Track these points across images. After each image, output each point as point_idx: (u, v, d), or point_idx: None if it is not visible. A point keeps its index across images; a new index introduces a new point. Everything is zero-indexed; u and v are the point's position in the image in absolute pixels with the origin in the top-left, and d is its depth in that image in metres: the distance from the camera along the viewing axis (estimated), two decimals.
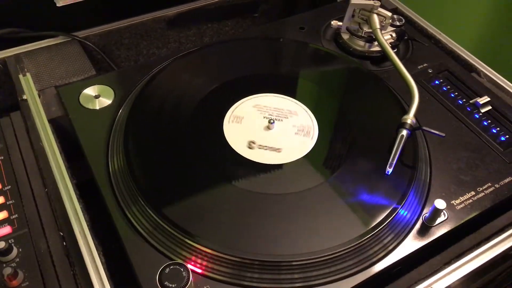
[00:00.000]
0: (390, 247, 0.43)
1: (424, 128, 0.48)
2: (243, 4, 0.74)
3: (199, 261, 0.40)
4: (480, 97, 0.55)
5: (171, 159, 0.48)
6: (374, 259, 0.42)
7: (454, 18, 0.88)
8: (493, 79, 0.60)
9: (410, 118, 0.48)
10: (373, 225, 0.42)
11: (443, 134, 0.47)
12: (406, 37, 0.62)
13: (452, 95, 0.56)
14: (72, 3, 0.59)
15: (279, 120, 0.51)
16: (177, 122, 0.51)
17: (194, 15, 0.71)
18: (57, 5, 0.57)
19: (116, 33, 0.67)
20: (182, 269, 0.39)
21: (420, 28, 0.68)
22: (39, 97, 0.55)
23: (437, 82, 0.58)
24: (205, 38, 0.74)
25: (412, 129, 0.48)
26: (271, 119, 0.50)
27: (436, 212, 0.43)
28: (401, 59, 0.60)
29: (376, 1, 0.59)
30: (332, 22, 0.63)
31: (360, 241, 0.41)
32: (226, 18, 0.74)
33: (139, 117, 0.51)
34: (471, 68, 0.62)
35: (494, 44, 0.84)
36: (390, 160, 0.46)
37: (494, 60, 0.69)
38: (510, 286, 0.65)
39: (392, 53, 0.55)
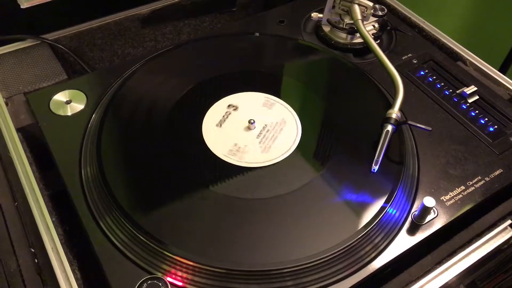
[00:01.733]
0: (381, 247, 0.41)
1: (410, 122, 0.46)
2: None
3: (179, 273, 0.38)
4: (467, 86, 0.54)
5: (147, 166, 0.46)
6: (365, 261, 0.40)
7: (437, 5, 0.86)
8: (479, 67, 0.58)
9: (395, 113, 0.46)
10: (361, 226, 0.40)
11: (430, 128, 0.45)
12: (389, 27, 0.60)
13: (438, 86, 0.54)
14: (39, 4, 0.56)
15: (260, 121, 0.49)
16: (152, 127, 0.49)
17: (170, 11, 0.68)
18: (21, 6, 0.54)
19: (88, 34, 0.64)
20: (160, 284, 0.37)
21: (403, 17, 0.66)
22: (7, 105, 0.53)
23: (422, 72, 0.56)
24: (182, 35, 0.72)
25: (398, 124, 0.46)
26: (251, 119, 0.48)
27: (425, 210, 0.41)
28: (384, 50, 0.58)
29: None
30: (312, 15, 0.60)
31: (350, 243, 0.39)
32: (203, 14, 0.72)
33: (112, 122, 0.49)
34: (456, 56, 0.60)
35: (479, 31, 0.83)
36: (375, 157, 0.44)
37: (480, 48, 0.67)
38: (503, 274, 0.64)
39: (374, 44, 0.53)
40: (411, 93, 0.54)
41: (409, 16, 0.65)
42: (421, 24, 0.64)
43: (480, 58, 0.60)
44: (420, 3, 0.80)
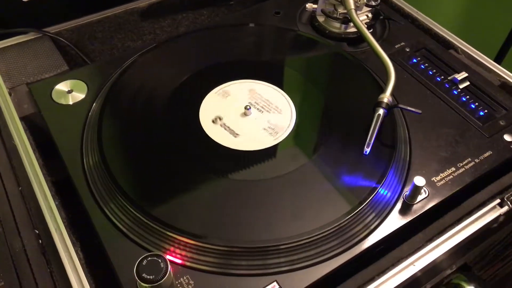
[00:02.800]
0: (372, 226, 0.42)
1: (400, 105, 0.47)
2: None
3: (178, 251, 0.40)
4: (458, 73, 0.55)
5: (145, 149, 0.47)
6: (357, 239, 0.41)
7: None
8: (471, 55, 0.59)
9: (386, 97, 0.47)
10: (353, 206, 0.42)
11: (419, 111, 0.47)
12: (381, 17, 0.61)
13: (430, 73, 0.56)
14: None
15: (256, 106, 0.51)
16: (150, 113, 0.50)
17: (168, 5, 0.70)
18: (23, 0, 0.55)
19: (88, 27, 0.65)
20: (160, 260, 0.38)
21: (396, 7, 0.67)
22: (10, 95, 0.54)
23: (414, 60, 0.57)
24: (180, 28, 0.73)
25: (388, 108, 0.47)
26: (247, 105, 0.49)
27: (416, 190, 0.42)
28: (377, 39, 0.60)
29: None
30: (307, 5, 0.62)
31: (342, 221, 0.41)
32: (201, 7, 0.73)
33: (112, 110, 0.50)
34: (448, 45, 0.61)
35: (470, 20, 0.84)
36: (367, 140, 0.45)
37: (474, 39, 0.68)
38: (500, 262, 0.66)
39: (367, 33, 0.55)
40: (404, 80, 0.55)
41: (402, 6, 0.67)
42: (414, 14, 0.65)
43: (471, 45, 0.61)
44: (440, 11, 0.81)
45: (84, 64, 0.65)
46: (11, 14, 0.62)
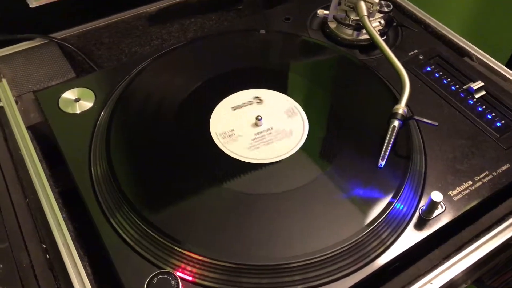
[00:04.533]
0: (388, 243, 0.41)
1: (416, 117, 0.46)
2: None
3: (189, 268, 0.39)
4: (474, 82, 0.53)
5: (155, 162, 0.46)
6: (373, 256, 0.40)
7: (443, 1, 0.86)
8: (485, 62, 0.58)
9: (401, 108, 0.46)
10: (368, 221, 0.40)
11: (436, 123, 0.45)
12: (394, 24, 0.60)
13: (445, 82, 0.54)
14: (46, 4, 0.57)
15: (269, 118, 0.49)
16: (160, 123, 0.49)
17: (176, 10, 0.69)
18: (30, 6, 0.54)
19: (95, 33, 0.64)
20: (170, 278, 0.37)
21: (409, 13, 0.66)
22: (17, 103, 0.53)
23: (428, 68, 0.56)
24: (188, 33, 0.72)
25: (404, 119, 0.46)
26: (258, 116, 0.48)
27: (433, 205, 0.41)
28: (390, 46, 0.58)
29: None
30: (318, 11, 0.60)
31: (357, 237, 0.40)
32: (209, 12, 0.72)
33: (121, 119, 0.49)
34: (462, 52, 0.60)
35: (485, 27, 0.83)
36: (382, 152, 0.44)
37: (486, 42, 0.67)
38: (511, 271, 0.64)
39: (381, 40, 0.54)
40: (418, 89, 0.54)
41: (415, 12, 0.65)
42: (427, 20, 0.64)
43: (486, 53, 0.59)
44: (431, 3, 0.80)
45: (91, 70, 0.64)
46: (18, 20, 0.62)
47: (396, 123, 0.45)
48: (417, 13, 0.65)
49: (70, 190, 0.47)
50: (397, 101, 0.48)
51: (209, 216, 0.41)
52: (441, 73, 0.55)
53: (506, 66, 0.58)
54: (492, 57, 0.59)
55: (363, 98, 0.53)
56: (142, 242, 0.40)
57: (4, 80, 0.54)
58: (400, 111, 0.46)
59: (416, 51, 0.59)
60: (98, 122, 0.50)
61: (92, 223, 0.43)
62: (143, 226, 0.40)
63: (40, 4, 0.55)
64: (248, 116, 0.49)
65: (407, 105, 0.47)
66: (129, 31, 0.67)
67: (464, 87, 0.53)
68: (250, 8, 0.75)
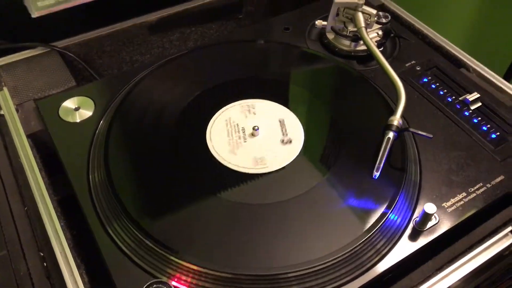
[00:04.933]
0: (383, 253, 0.41)
1: (411, 129, 0.46)
2: (227, 6, 0.72)
3: (183, 278, 0.39)
4: (470, 93, 0.54)
5: (153, 172, 0.47)
6: (367, 266, 0.41)
7: (440, 12, 0.86)
8: (482, 74, 0.58)
9: (396, 120, 0.47)
10: (362, 232, 0.41)
11: (431, 136, 0.46)
12: (392, 34, 0.61)
13: (441, 93, 0.55)
14: (48, 13, 0.58)
15: (265, 127, 0.50)
16: (158, 133, 0.50)
17: (177, 19, 0.69)
18: (32, 16, 0.55)
19: (96, 42, 0.65)
20: (165, 287, 0.38)
21: (407, 24, 0.66)
22: (17, 111, 0.54)
23: (425, 79, 0.56)
24: (189, 42, 0.73)
25: (399, 131, 0.46)
26: (255, 126, 0.49)
27: (426, 217, 0.41)
28: (388, 57, 0.59)
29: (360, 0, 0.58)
30: (316, 22, 0.61)
31: (352, 248, 0.40)
32: (210, 21, 0.73)
33: (120, 128, 0.50)
34: (459, 63, 0.60)
35: (483, 38, 0.83)
36: (377, 163, 0.44)
37: (483, 54, 0.67)
38: (509, 280, 0.64)
39: (377, 52, 0.54)
40: (415, 100, 0.54)
41: (413, 23, 0.66)
42: (425, 30, 0.65)
43: (483, 65, 0.60)
44: (424, 10, 0.81)
45: (92, 79, 0.65)
46: (19, 29, 0.63)
47: (390, 134, 0.46)
48: (415, 24, 0.66)
49: (68, 198, 0.48)
50: (393, 111, 0.49)
51: (205, 226, 0.42)
52: (437, 84, 0.56)
53: (503, 77, 0.59)
54: (489, 68, 0.59)
55: (360, 109, 0.53)
56: (138, 251, 0.41)
57: (5, 89, 0.55)
58: (395, 123, 0.46)
59: (413, 62, 0.59)
60: (97, 131, 0.51)
61: (89, 231, 0.43)
62: (139, 235, 0.41)
63: (42, 14, 0.56)
64: (244, 128, 0.50)
65: (402, 116, 0.48)
66: (130, 39, 0.68)
67: (460, 98, 0.54)
68: (249, 18, 0.76)
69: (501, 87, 0.57)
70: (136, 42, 0.69)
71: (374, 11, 0.58)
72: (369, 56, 0.59)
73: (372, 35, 0.60)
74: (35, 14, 0.55)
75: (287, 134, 0.49)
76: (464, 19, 0.84)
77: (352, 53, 0.59)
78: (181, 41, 0.73)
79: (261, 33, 0.63)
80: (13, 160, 0.50)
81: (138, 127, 0.51)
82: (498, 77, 0.58)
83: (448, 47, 0.62)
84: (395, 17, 0.67)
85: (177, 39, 0.72)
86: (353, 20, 0.58)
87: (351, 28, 0.59)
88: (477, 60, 0.61)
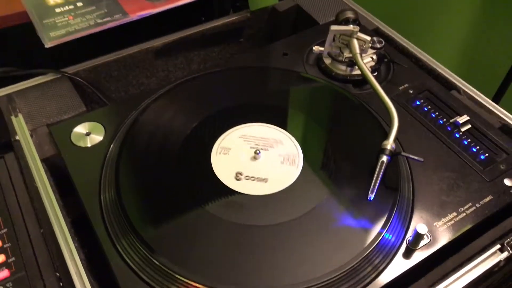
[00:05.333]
0: (377, 272, 0.44)
1: (403, 153, 0.49)
2: (228, 31, 0.76)
3: None
4: (460, 115, 0.57)
5: (161, 193, 0.50)
6: (363, 284, 0.43)
7: (433, 35, 0.90)
8: (472, 96, 0.61)
9: (389, 144, 0.49)
10: (358, 251, 0.44)
11: (422, 159, 0.49)
12: (386, 59, 0.64)
13: (433, 115, 0.58)
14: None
15: (265, 149, 0.53)
16: (165, 156, 0.53)
17: (180, 44, 0.73)
18: (45, 46, 0.58)
19: (105, 67, 0.68)
20: None
21: (400, 47, 0.69)
22: (32, 136, 0.57)
23: (417, 102, 0.60)
24: (192, 65, 0.76)
25: (392, 155, 0.49)
26: (257, 150, 0.52)
27: (418, 237, 0.44)
28: (382, 81, 0.62)
29: (355, 27, 0.61)
30: (314, 48, 0.64)
31: (348, 267, 0.43)
32: (212, 45, 0.76)
33: (129, 152, 0.53)
34: (451, 86, 0.64)
35: (473, 58, 0.86)
36: (371, 186, 0.47)
37: (474, 77, 0.70)
38: None
39: (371, 77, 0.57)
40: (407, 122, 0.57)
41: (406, 46, 0.69)
42: (418, 54, 0.68)
43: (474, 87, 0.63)
44: (416, 32, 0.84)
45: (101, 102, 0.68)
46: (31, 56, 0.66)
47: (384, 158, 0.49)
48: (408, 47, 0.69)
49: (81, 218, 0.51)
50: (386, 134, 0.52)
51: (212, 246, 0.45)
52: (429, 107, 0.59)
53: (493, 99, 0.62)
54: (480, 91, 0.62)
55: (355, 132, 0.56)
56: (146, 270, 0.44)
57: (20, 115, 0.58)
58: (388, 147, 0.49)
59: (406, 85, 0.62)
60: (107, 155, 0.54)
61: (102, 251, 0.46)
62: (147, 254, 0.44)
63: (54, 45, 0.59)
64: (244, 153, 0.53)
65: (396, 139, 0.51)
66: (137, 64, 0.71)
67: (451, 120, 0.57)
68: (250, 41, 0.79)
69: (489, 109, 0.60)
70: (142, 66, 0.72)
71: (368, 38, 0.61)
72: (364, 80, 0.62)
73: (367, 60, 0.63)
74: (48, 44, 0.58)
75: (287, 158, 0.52)
76: (455, 41, 0.87)
77: (348, 77, 0.62)
78: (185, 64, 0.76)
79: (261, 59, 0.67)
80: (28, 184, 0.53)
81: (145, 151, 0.54)
82: (486, 98, 0.61)
83: (440, 70, 0.65)
84: (389, 40, 0.71)
85: (181, 62, 0.75)
86: (349, 46, 0.62)
87: (346, 54, 0.62)
88: (468, 82, 0.64)
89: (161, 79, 0.75)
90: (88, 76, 0.68)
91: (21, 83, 0.64)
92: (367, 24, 0.73)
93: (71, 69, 0.67)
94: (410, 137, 0.55)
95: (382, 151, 0.49)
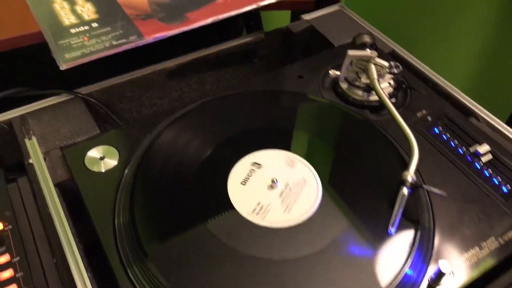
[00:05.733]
0: None
1: (425, 186, 0.48)
2: (242, 52, 0.75)
3: None
4: (480, 144, 0.56)
5: (175, 221, 0.49)
6: None
7: (451, 56, 0.89)
8: (491, 123, 0.60)
9: (410, 176, 0.48)
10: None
11: (444, 194, 0.48)
12: (404, 85, 0.63)
13: (453, 144, 0.57)
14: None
15: (283, 178, 0.52)
16: (179, 183, 0.52)
17: (194, 64, 0.72)
18: (61, 68, 0.58)
19: (118, 88, 0.68)
20: None
21: (417, 72, 0.69)
22: (45, 159, 0.56)
23: (436, 130, 0.59)
24: (206, 86, 0.76)
25: (413, 187, 0.48)
26: (273, 178, 0.51)
27: (441, 275, 0.43)
28: (399, 106, 0.61)
29: (373, 52, 0.60)
30: (330, 72, 0.63)
31: None
32: (225, 66, 0.76)
33: (144, 178, 0.52)
34: (469, 112, 0.63)
35: (491, 83, 0.85)
36: (392, 219, 0.46)
37: (492, 99, 0.69)
38: None
39: (390, 105, 0.56)
40: (426, 151, 0.56)
41: (423, 70, 0.68)
42: (435, 79, 0.67)
43: (492, 111, 0.62)
44: (433, 54, 0.83)
45: (114, 123, 0.67)
46: (45, 76, 0.65)
47: (405, 191, 0.48)
48: (425, 72, 0.68)
49: (93, 243, 0.50)
50: (405, 163, 0.51)
51: (223, 278, 0.44)
52: (448, 135, 0.58)
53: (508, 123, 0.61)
54: (497, 117, 0.61)
55: (374, 160, 0.55)
56: None
57: (34, 138, 0.58)
58: (409, 179, 0.48)
59: (424, 111, 0.61)
60: (122, 180, 0.53)
61: (113, 276, 0.45)
62: (160, 283, 0.43)
63: (69, 67, 0.58)
64: (261, 182, 0.52)
65: (417, 170, 0.50)
66: (150, 84, 0.71)
67: (471, 150, 0.56)
68: (263, 61, 0.79)
69: (510, 137, 0.59)
70: (155, 87, 0.71)
71: (386, 63, 0.60)
72: (381, 105, 0.61)
73: (384, 85, 0.62)
74: (63, 67, 0.58)
75: (303, 188, 0.51)
76: (474, 65, 0.87)
77: (365, 103, 0.62)
78: (198, 85, 0.75)
79: (276, 81, 0.66)
80: (41, 209, 0.52)
81: (161, 177, 0.53)
82: (506, 126, 0.60)
83: (457, 95, 0.64)
84: (405, 63, 0.70)
85: (194, 83, 0.75)
86: (366, 71, 0.61)
87: (364, 79, 0.61)
88: (485, 105, 0.63)
89: (174, 99, 0.74)
90: (101, 96, 0.67)
91: (35, 103, 0.63)
92: (382, 46, 0.72)
93: (84, 90, 0.66)
94: (429, 166, 0.54)
95: (403, 183, 0.48)
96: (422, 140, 0.57)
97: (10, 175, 0.57)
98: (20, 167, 0.58)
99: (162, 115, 0.60)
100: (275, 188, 0.51)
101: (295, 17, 0.85)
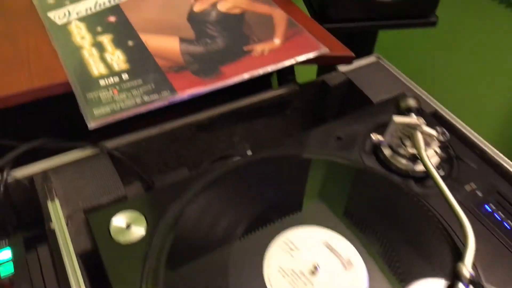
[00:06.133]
0: None
1: (487, 286, 0.44)
2: (274, 104, 0.72)
3: None
4: None
5: None
6: None
7: (499, 123, 0.85)
8: None
9: (467, 270, 0.44)
10: None
11: None
12: (452, 155, 0.59)
13: (507, 226, 0.52)
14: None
15: (325, 262, 0.48)
16: (212, 261, 0.48)
17: (225, 116, 0.69)
18: (89, 127, 0.55)
19: (145, 141, 0.65)
20: None
21: (462, 136, 0.64)
22: (67, 224, 0.53)
23: (488, 208, 0.54)
24: (235, 137, 0.72)
25: (472, 284, 0.44)
26: (315, 264, 0.47)
27: None
28: (446, 177, 0.57)
29: (419, 118, 0.57)
30: (372, 136, 0.60)
31: None
32: (256, 117, 0.72)
33: (174, 250, 0.48)
34: None
35: None
36: None
37: None
38: None
39: (440, 180, 0.52)
40: (477, 232, 0.51)
41: (469, 135, 0.64)
42: (482, 145, 0.63)
43: None
44: (476, 113, 0.79)
45: (140, 178, 0.64)
46: (68, 128, 0.62)
47: (461, 287, 0.43)
48: (471, 136, 0.64)
49: None
50: (455, 246, 0.46)
51: None
52: (502, 215, 0.53)
53: None
54: None
55: (418, 238, 0.51)
56: None
57: (56, 200, 0.54)
58: (467, 274, 0.44)
59: (472, 184, 0.57)
60: (149, 251, 0.49)
61: None
62: None
63: (98, 125, 0.55)
64: (302, 266, 0.48)
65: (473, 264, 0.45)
66: (178, 137, 0.67)
67: None
68: (295, 113, 0.75)
69: None
70: (183, 138, 0.68)
71: (434, 132, 0.56)
72: (427, 175, 0.57)
73: (430, 153, 0.58)
74: (91, 125, 0.55)
75: (348, 269, 0.47)
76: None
77: (410, 173, 0.57)
78: (227, 136, 0.72)
79: (313, 141, 0.62)
80: (61, 282, 0.48)
81: (192, 250, 0.49)
82: None
83: (508, 167, 0.60)
84: (449, 126, 0.66)
85: (223, 134, 0.71)
86: (412, 139, 0.57)
87: (409, 148, 0.57)
88: None
89: (202, 151, 0.70)
90: (128, 150, 0.64)
91: (57, 157, 0.60)
92: (425, 106, 0.68)
93: (110, 143, 0.63)
94: (481, 249, 0.50)
95: (458, 277, 0.44)
96: (473, 220, 0.53)
97: (27, 233, 0.54)
98: (39, 223, 0.55)
99: (191, 178, 0.57)
100: (317, 274, 0.47)
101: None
